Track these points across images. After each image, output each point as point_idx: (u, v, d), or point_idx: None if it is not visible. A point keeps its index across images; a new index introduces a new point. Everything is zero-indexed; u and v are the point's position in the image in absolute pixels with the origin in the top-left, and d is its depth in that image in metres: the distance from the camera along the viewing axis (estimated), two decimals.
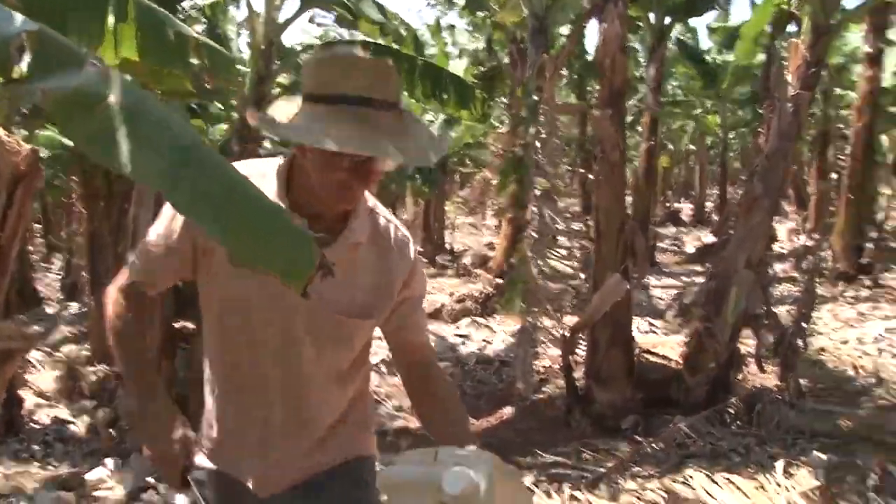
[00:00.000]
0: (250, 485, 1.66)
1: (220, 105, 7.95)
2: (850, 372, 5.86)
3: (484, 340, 7.21)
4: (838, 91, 11.95)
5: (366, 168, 1.44)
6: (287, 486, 1.67)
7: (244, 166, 1.54)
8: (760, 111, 6.36)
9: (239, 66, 4.79)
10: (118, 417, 4.64)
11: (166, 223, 1.57)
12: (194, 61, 3.26)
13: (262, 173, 1.54)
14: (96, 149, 1.01)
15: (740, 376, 5.35)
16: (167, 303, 4.46)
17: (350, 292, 1.57)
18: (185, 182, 1.01)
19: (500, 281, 8.56)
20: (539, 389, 5.42)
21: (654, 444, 4.45)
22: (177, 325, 4.63)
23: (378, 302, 1.62)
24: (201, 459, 1.64)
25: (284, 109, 1.46)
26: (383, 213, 1.65)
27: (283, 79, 6.69)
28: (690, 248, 12.48)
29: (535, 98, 5.62)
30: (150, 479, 3.86)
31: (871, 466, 4.07)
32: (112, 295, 1.62)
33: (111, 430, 4.57)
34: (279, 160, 1.58)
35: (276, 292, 1.47)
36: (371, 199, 1.63)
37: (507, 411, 5.22)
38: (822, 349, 6.31)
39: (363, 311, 1.60)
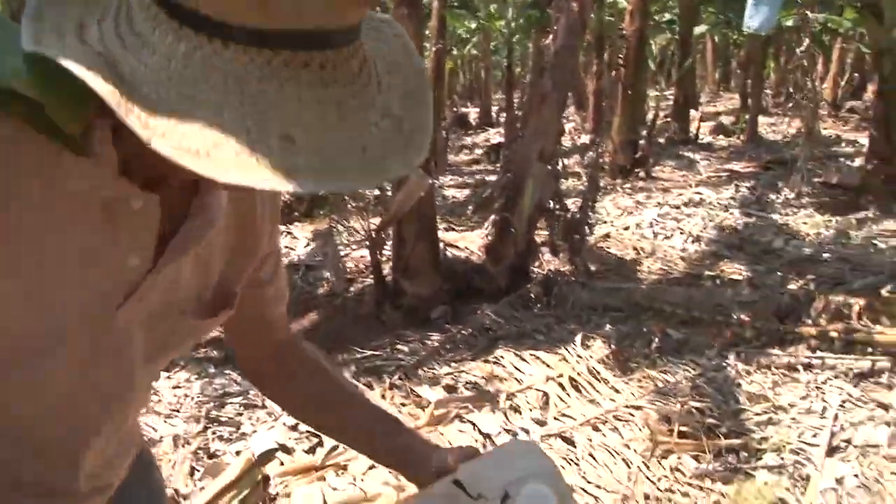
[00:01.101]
0: None
1: None
2: (632, 253, 6.40)
3: (287, 247, 7.15)
4: None
5: None
6: None
7: None
8: (544, 13, 6.66)
9: None
10: None
11: None
12: None
13: None
14: None
15: (537, 263, 5.71)
16: None
17: (206, 278, 0.99)
18: None
19: None
20: (348, 289, 5.50)
21: (463, 331, 4.69)
22: None
23: (242, 272, 1.05)
24: None
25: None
26: None
27: None
28: (479, 150, 12.88)
29: None
30: None
31: (653, 332, 4.54)
32: None
33: None
34: None
35: (100, 312, 0.86)
36: None
37: (321, 313, 5.27)
38: (607, 235, 6.83)
39: (225, 296, 1.02)
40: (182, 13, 0.65)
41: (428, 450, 1.14)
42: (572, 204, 6.01)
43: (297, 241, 7.23)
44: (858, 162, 9.62)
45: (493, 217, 5.46)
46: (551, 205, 5.40)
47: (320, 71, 0.67)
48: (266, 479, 2.90)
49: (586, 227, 5.59)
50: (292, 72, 0.66)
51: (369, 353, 4.42)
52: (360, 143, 0.69)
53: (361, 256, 6.22)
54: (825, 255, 6.00)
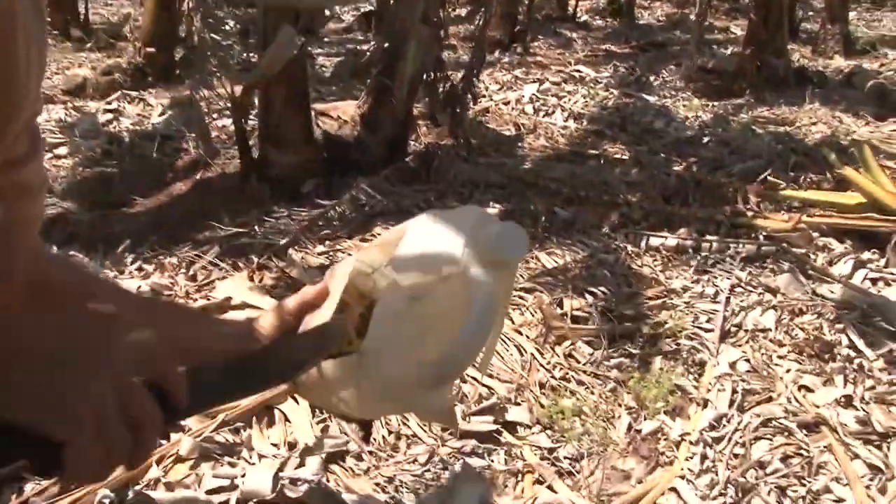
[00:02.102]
0: None
1: None
2: (512, 129, 6.14)
3: (140, 115, 6.47)
4: None
5: None
6: None
7: None
8: None
9: None
10: None
11: None
12: None
13: None
14: None
15: (413, 137, 5.35)
16: None
17: None
18: None
19: (151, 50, 7.66)
20: (213, 159, 4.98)
21: (337, 207, 4.32)
22: None
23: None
24: None
25: None
26: None
27: None
28: (348, 18, 12.15)
29: None
30: None
31: (540, 210, 4.32)
32: None
33: None
34: None
35: None
36: None
37: (179, 187, 4.75)
38: (486, 110, 6.52)
39: None
40: None
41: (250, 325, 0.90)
42: (450, 76, 5.64)
43: (151, 109, 6.56)
44: (731, 49, 9.64)
45: (370, 83, 5.01)
46: (432, 73, 5.00)
47: None
48: None
49: (469, 98, 5.23)
50: None
51: (234, 230, 3.99)
52: None
53: (223, 126, 5.67)
54: (705, 139, 5.93)
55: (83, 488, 2.08)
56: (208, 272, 3.52)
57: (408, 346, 0.85)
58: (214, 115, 5.70)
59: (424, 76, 4.98)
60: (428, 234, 0.91)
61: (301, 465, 2.28)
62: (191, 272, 3.50)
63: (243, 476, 2.16)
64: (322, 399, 0.93)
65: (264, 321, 0.91)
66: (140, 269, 3.60)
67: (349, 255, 3.71)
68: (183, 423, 0.73)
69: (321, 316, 0.89)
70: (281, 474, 2.18)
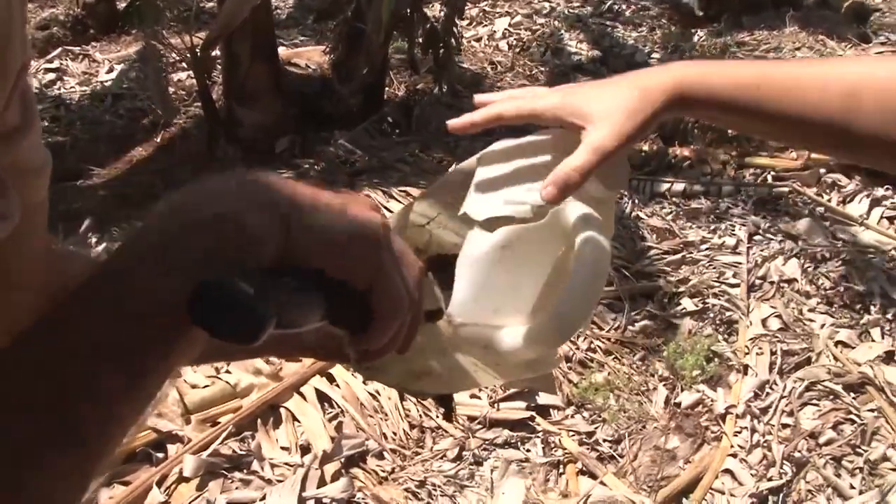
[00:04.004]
0: None
1: None
2: (488, 68, 5.82)
3: (86, 73, 6.00)
4: None
5: None
6: None
7: None
8: None
9: None
10: None
11: None
12: None
13: None
14: None
15: (388, 81, 5.01)
16: None
17: None
18: None
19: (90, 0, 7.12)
20: (172, 119, 4.60)
21: (316, 166, 4.01)
22: None
23: None
24: None
25: None
26: None
27: None
28: None
29: None
30: None
31: None
32: None
33: None
34: None
35: None
36: None
37: (139, 152, 4.38)
38: (458, 48, 6.17)
39: None
40: None
41: None
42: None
43: (98, 66, 6.09)
44: None
45: (339, 27, 4.64)
46: (410, 13, 4.63)
47: None
48: None
49: (453, 40, 4.88)
50: None
51: None
52: None
53: (179, 81, 5.25)
54: None
55: None
56: None
57: (502, 303, 0.72)
58: (169, 70, 5.28)
59: (402, 14, 4.61)
60: (506, 167, 0.78)
61: (323, 477, 2.03)
62: None
63: (262, 500, 1.91)
64: (396, 377, 0.77)
65: None
66: (108, 250, 3.28)
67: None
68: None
69: None
70: (305, 494, 1.93)
